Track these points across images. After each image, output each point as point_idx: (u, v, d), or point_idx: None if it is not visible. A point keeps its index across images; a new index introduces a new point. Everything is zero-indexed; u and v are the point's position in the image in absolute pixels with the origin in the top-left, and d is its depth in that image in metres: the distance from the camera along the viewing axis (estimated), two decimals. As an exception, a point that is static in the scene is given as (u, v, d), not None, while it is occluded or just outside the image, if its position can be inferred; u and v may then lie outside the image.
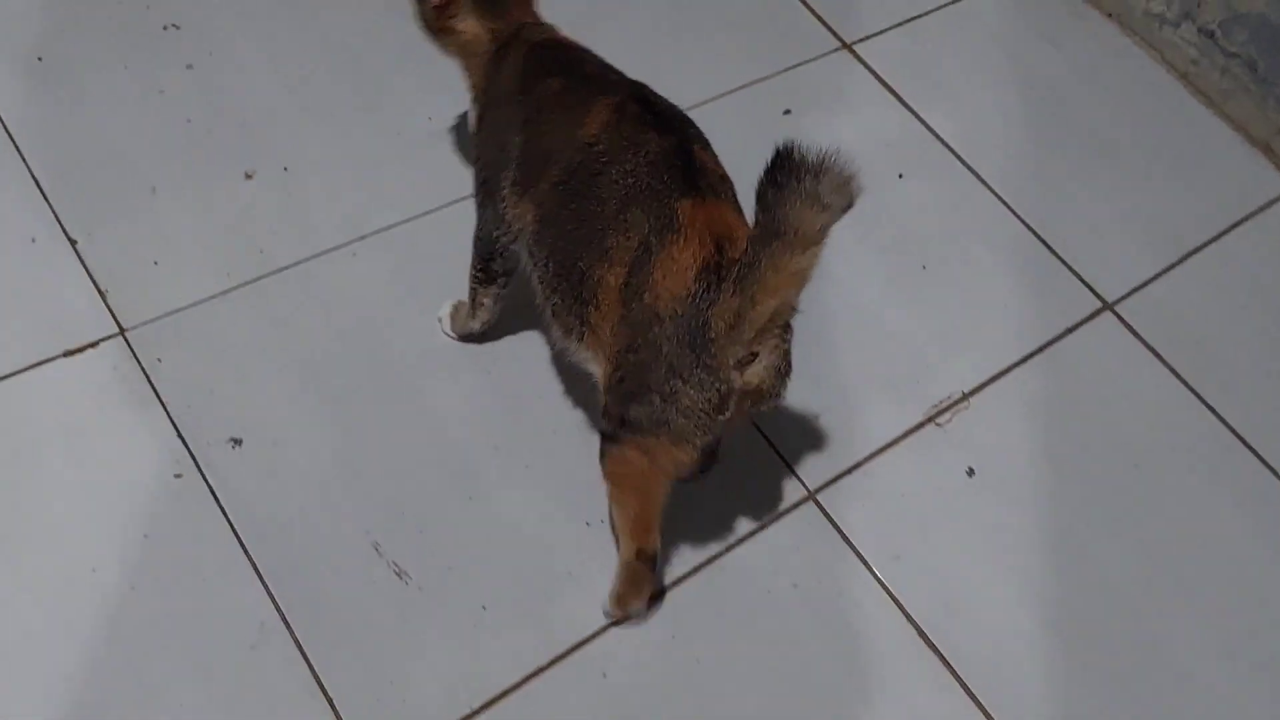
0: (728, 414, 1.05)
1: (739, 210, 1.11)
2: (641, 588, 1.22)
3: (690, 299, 1.02)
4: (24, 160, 1.44)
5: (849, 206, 0.95)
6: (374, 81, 1.62)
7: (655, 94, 1.20)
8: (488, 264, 1.30)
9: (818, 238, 0.95)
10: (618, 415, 1.10)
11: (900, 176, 1.70)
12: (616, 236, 1.08)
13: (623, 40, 1.41)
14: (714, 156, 1.17)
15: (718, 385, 1.03)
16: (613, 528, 1.24)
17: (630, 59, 1.28)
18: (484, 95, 1.29)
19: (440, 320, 1.40)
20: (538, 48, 1.26)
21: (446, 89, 1.44)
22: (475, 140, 1.31)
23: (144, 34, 1.59)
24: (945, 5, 1.94)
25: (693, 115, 1.20)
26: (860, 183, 0.94)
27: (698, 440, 1.07)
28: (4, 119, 1.46)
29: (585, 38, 1.31)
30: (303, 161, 1.52)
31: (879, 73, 1.82)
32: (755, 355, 1.03)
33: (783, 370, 1.08)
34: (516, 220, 1.20)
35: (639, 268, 1.05)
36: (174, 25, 1.60)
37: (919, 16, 1.91)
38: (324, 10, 1.67)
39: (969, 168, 1.73)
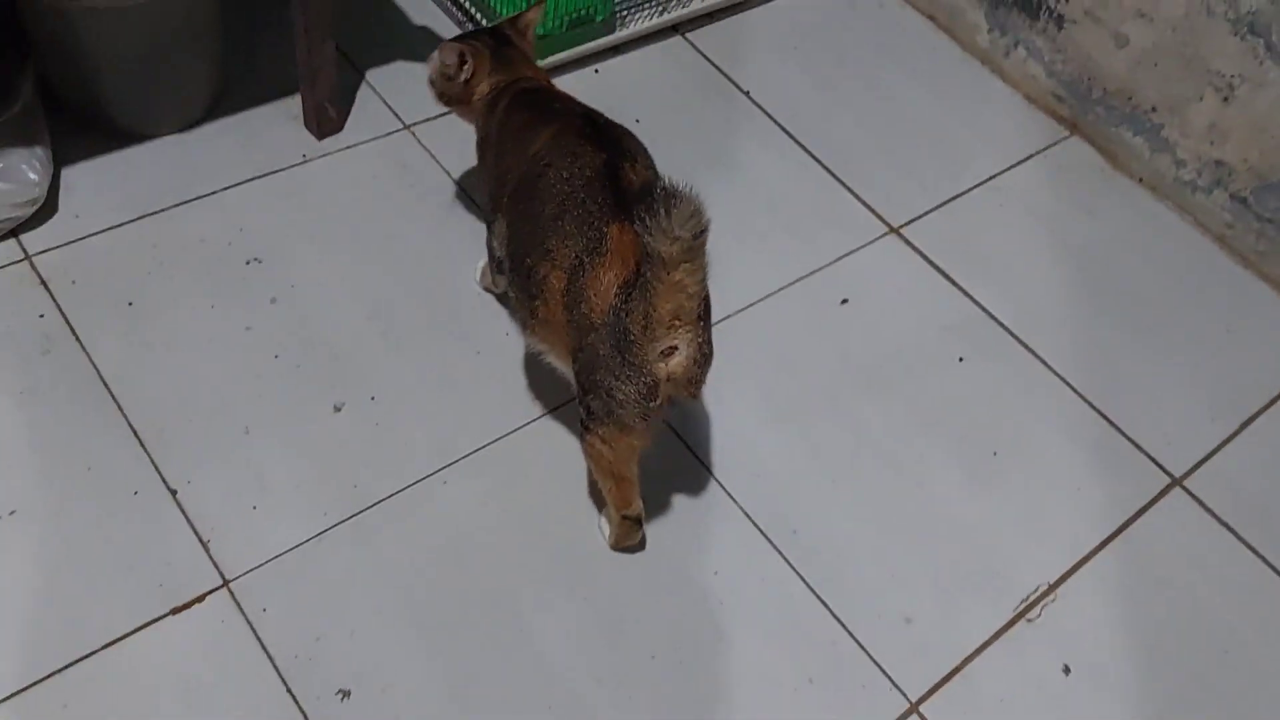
0: (659, 400, 1.25)
1: None
2: (633, 536, 1.45)
3: (612, 310, 1.22)
4: (122, 411, 1.47)
5: (701, 233, 1.12)
6: (449, 302, 1.67)
7: (603, 117, 1.42)
8: (499, 263, 1.49)
9: (680, 260, 1.13)
10: (585, 406, 1.30)
11: (960, 360, 1.75)
12: (555, 240, 1.28)
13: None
14: (646, 167, 1.35)
15: (644, 378, 1.22)
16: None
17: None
18: (482, 133, 1.54)
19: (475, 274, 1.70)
20: (522, 93, 1.49)
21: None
22: (480, 170, 1.56)
23: (228, 271, 1.64)
24: (981, 183, 2.01)
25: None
26: (704, 214, 1.11)
27: (639, 426, 1.27)
28: (100, 370, 1.51)
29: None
30: (389, 389, 1.56)
31: (927, 254, 1.88)
32: (675, 348, 1.22)
33: (701, 358, 1.24)
34: (499, 231, 1.43)
35: (576, 278, 1.25)
36: (256, 259, 1.66)
37: (957, 196, 1.98)
38: (395, 237, 1.73)
39: (1025, 345, 1.78)
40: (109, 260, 1.62)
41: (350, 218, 1.74)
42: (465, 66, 1.50)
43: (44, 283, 1.59)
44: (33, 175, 1.59)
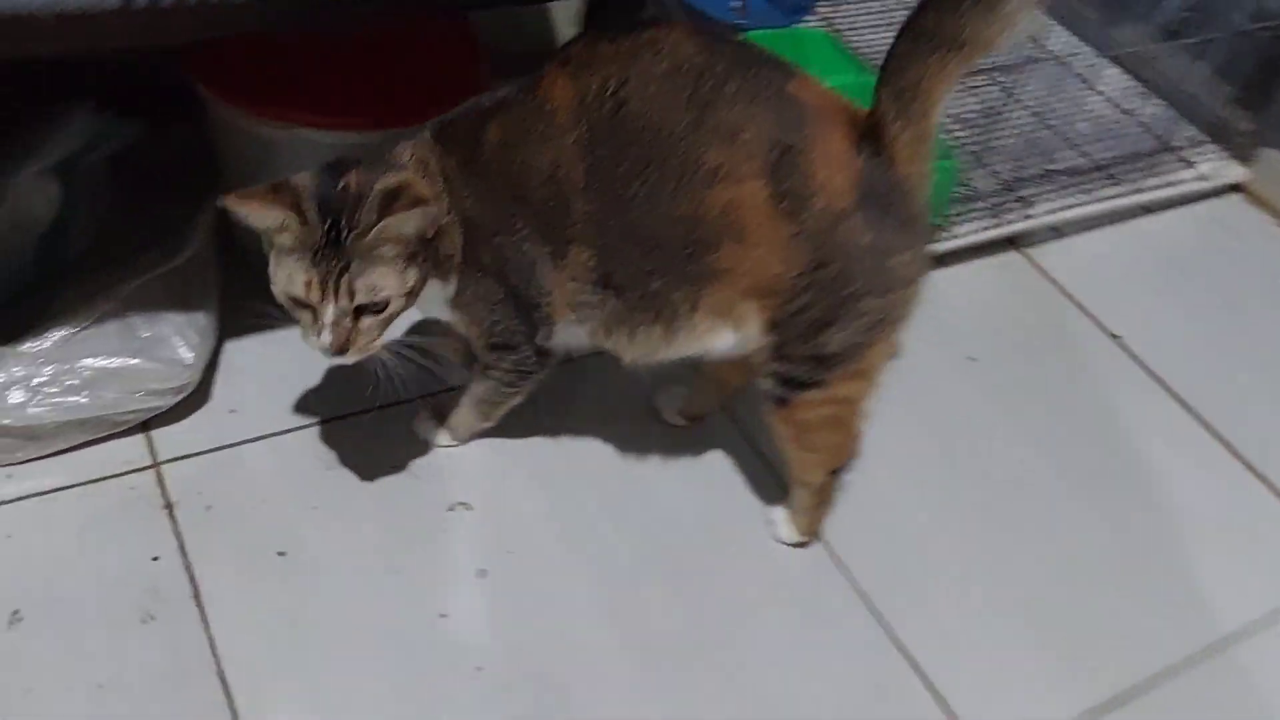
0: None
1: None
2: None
3: (862, 177, 0.95)
4: (243, 735, 0.96)
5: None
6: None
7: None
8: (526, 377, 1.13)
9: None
10: (809, 356, 1.01)
11: None
12: (717, 150, 0.94)
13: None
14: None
15: (924, 232, 1.02)
16: None
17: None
18: (459, 256, 1.03)
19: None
20: (447, 146, 1.01)
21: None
22: (470, 302, 1.06)
23: (425, 516, 1.15)
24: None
25: None
26: None
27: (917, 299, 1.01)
28: (225, 672, 1.00)
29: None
30: None
31: None
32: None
33: None
34: (571, 289, 1.04)
35: (786, 174, 0.94)
36: (462, 504, 1.16)
37: None
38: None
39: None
40: (266, 483, 1.15)
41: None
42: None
43: (169, 505, 1.11)
44: (186, 353, 1.14)
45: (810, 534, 1.19)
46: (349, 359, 0.97)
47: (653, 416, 1.29)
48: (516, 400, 1.16)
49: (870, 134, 0.95)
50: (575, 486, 1.21)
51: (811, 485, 1.16)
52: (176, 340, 1.14)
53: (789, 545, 1.19)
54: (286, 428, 1.20)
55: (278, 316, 0.99)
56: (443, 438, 1.21)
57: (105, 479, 1.12)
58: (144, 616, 1.02)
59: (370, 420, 1.21)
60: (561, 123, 0.96)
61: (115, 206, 1.26)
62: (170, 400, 1.15)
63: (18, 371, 1.08)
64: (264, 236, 0.96)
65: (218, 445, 1.18)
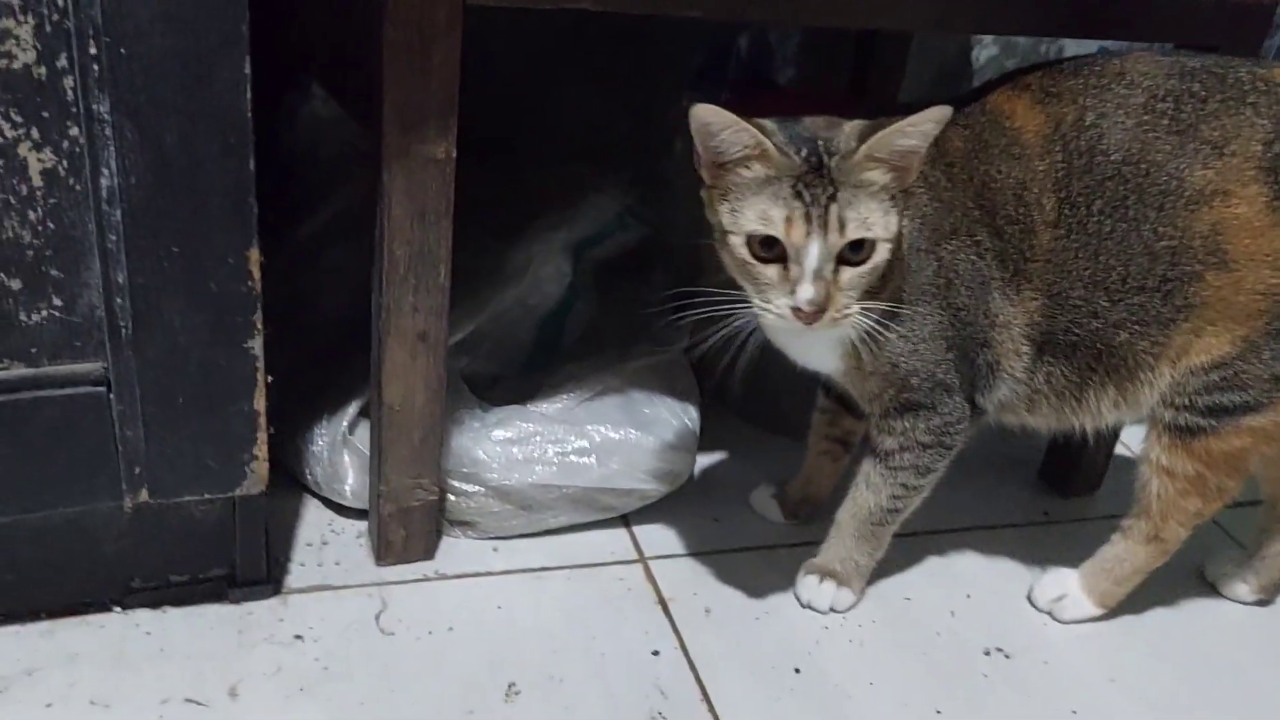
0: None
1: None
2: None
3: None
4: None
5: None
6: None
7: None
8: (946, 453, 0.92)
9: None
10: (1272, 377, 0.88)
11: None
12: (1203, 169, 0.84)
13: None
14: None
15: None
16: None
17: None
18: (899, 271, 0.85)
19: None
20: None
21: None
22: (887, 340, 0.85)
23: (958, 661, 0.94)
24: None
25: None
26: None
27: None
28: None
29: None
30: None
31: None
32: None
33: None
34: (1018, 331, 0.89)
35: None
36: (999, 650, 0.95)
37: None
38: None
39: None
40: (768, 595, 0.98)
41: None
42: None
43: (663, 602, 0.96)
44: (685, 437, 1.03)
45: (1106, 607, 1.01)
46: (822, 325, 0.77)
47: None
48: (921, 498, 0.94)
49: None
50: (1131, 642, 0.98)
51: (1169, 543, 0.97)
52: (674, 423, 1.04)
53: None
54: (781, 542, 1.06)
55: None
56: (821, 597, 0.97)
57: (593, 565, 0.99)
58: (652, 713, 0.84)
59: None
60: (1030, 144, 0.87)
61: (606, 299, 1.22)
62: (665, 488, 1.03)
63: (528, 428, 0.99)
64: (715, 191, 0.79)
65: (707, 549, 1.03)
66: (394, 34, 0.75)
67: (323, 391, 1.04)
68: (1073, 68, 0.89)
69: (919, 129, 0.76)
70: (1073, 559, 1.02)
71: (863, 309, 0.79)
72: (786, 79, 1.36)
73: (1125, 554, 0.98)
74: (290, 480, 1.03)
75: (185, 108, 0.68)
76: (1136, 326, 0.88)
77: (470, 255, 0.99)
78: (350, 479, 1.00)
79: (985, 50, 1.45)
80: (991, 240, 0.87)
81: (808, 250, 0.76)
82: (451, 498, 0.99)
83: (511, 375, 1.13)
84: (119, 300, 0.72)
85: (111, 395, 0.75)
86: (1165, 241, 0.86)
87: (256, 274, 0.75)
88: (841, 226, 0.76)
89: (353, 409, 1.01)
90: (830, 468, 1.08)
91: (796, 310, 0.76)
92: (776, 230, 0.76)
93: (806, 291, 0.75)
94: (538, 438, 0.99)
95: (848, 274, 0.77)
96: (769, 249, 0.77)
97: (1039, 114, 0.87)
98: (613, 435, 1.01)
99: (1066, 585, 1.01)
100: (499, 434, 0.99)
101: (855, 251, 0.77)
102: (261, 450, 0.80)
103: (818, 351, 0.88)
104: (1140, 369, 0.90)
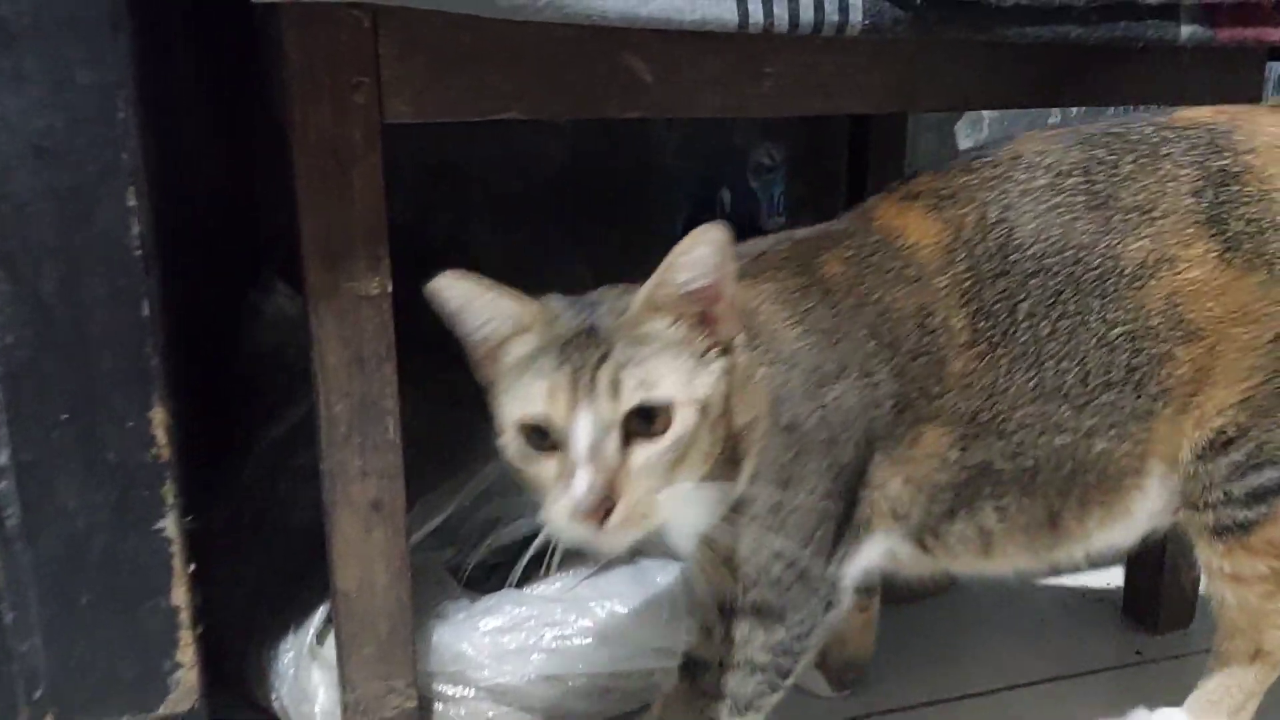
0: None
1: None
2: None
3: None
4: None
5: None
6: None
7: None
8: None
9: None
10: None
11: None
12: (1135, 238, 0.75)
13: None
14: None
15: None
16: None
17: None
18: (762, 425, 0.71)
19: None
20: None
21: None
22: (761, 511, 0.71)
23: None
24: None
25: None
26: None
27: None
28: None
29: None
30: None
31: None
32: None
33: None
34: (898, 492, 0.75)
35: (1228, 210, 0.76)
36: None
37: None
38: None
39: None
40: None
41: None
42: None
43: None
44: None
45: None
46: (614, 528, 0.60)
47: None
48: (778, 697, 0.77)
49: None
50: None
51: (1276, 653, 0.82)
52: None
53: None
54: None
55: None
56: None
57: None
58: None
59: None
60: (927, 261, 0.75)
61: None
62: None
63: (521, 612, 0.85)
64: (490, 390, 0.66)
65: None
66: (306, 160, 0.69)
67: (291, 603, 0.92)
68: (962, 165, 0.78)
69: (691, 257, 0.64)
70: (1176, 700, 0.85)
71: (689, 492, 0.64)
72: (778, 226, 1.31)
73: (1230, 680, 0.82)
74: (257, 709, 0.89)
75: (64, 250, 0.61)
76: (1113, 430, 0.74)
77: (436, 423, 0.90)
78: (321, 697, 0.85)
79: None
80: (892, 381, 0.73)
81: (575, 424, 0.61)
82: (438, 706, 0.84)
83: (511, 561, 1.00)
84: (3, 484, 0.63)
85: (1, 602, 0.64)
86: (1119, 328, 0.73)
87: (163, 438, 0.65)
88: (615, 389, 0.62)
89: (319, 615, 0.88)
90: (860, 620, 0.93)
91: (574, 511, 0.60)
92: (538, 407, 0.62)
93: (581, 481, 0.60)
94: (531, 622, 0.85)
95: (642, 453, 0.62)
96: (542, 439, 0.63)
97: (934, 223, 0.76)
98: (619, 610, 0.87)
99: None
100: (487, 623, 0.85)
101: (647, 422, 0.63)
102: (186, 655, 0.68)
103: (683, 530, 0.73)
104: (1126, 475, 0.76)
